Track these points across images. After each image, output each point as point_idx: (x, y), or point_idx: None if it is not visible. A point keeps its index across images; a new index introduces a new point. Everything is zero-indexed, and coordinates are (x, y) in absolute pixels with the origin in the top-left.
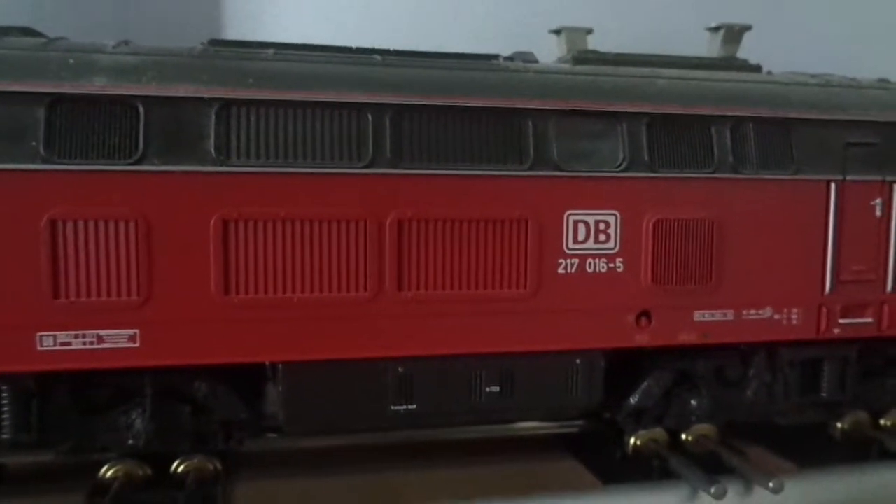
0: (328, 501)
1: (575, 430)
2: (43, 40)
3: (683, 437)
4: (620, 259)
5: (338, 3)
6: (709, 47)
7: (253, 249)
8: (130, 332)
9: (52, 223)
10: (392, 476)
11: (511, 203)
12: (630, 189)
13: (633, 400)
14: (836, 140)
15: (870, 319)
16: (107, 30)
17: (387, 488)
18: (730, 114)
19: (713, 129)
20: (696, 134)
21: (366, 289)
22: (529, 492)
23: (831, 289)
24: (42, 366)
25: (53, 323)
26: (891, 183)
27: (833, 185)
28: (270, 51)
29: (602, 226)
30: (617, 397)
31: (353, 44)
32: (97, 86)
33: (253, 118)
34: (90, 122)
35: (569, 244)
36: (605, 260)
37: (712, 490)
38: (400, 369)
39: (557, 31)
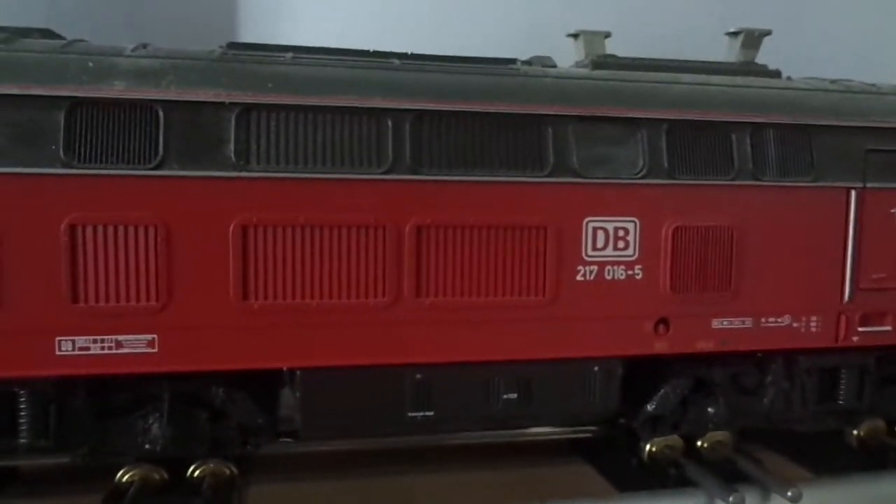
0: None
1: (588, 435)
2: (62, 42)
3: (699, 444)
4: (639, 266)
5: (352, 6)
6: (727, 52)
7: (272, 255)
8: (149, 337)
9: (72, 228)
10: (404, 480)
11: (530, 210)
12: (649, 196)
13: (650, 407)
14: (857, 147)
15: (889, 327)
16: (120, 30)
17: (399, 492)
18: (750, 120)
19: (733, 136)
20: (715, 140)
21: (384, 295)
22: (542, 497)
23: (850, 297)
24: (60, 370)
25: (72, 328)
26: None
27: (853, 193)
28: (289, 54)
29: (621, 233)
30: (633, 404)
31: (369, 46)
32: (117, 89)
33: (273, 123)
34: (110, 127)
35: (588, 251)
36: (623, 267)
37: (731, 499)
38: (418, 376)
39: (575, 35)
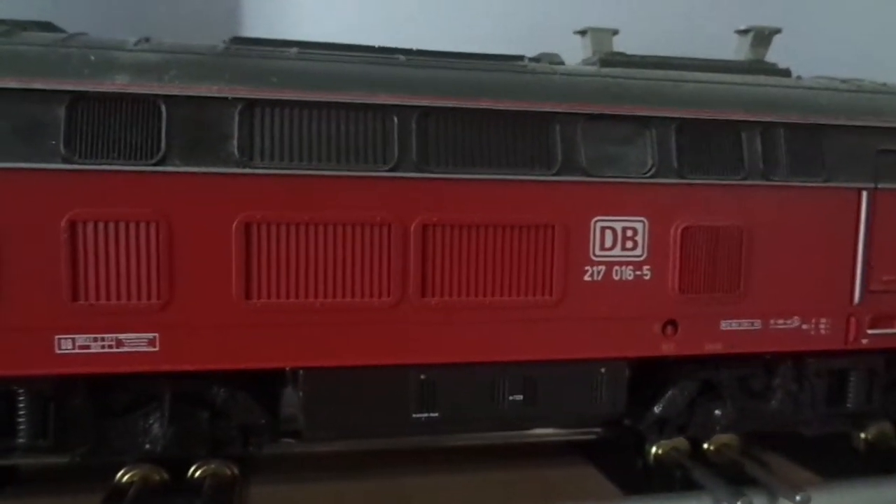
0: None
1: (592, 437)
2: (63, 35)
3: (705, 446)
4: (648, 267)
5: (356, 1)
6: (737, 50)
7: (275, 253)
8: (150, 335)
9: (72, 224)
10: (407, 481)
11: (537, 209)
12: (658, 195)
13: (657, 409)
14: (869, 147)
15: None
16: (122, 24)
17: (402, 493)
18: (760, 119)
19: (744, 135)
20: (726, 139)
21: (389, 294)
22: (546, 499)
23: (860, 299)
24: (60, 369)
25: (72, 326)
26: None
27: (864, 193)
28: (294, 49)
29: (629, 233)
30: (639, 406)
31: (373, 42)
32: (119, 84)
33: (277, 119)
34: (111, 121)
35: (595, 251)
36: (632, 267)
37: (738, 503)
38: (422, 376)
39: (582, 32)
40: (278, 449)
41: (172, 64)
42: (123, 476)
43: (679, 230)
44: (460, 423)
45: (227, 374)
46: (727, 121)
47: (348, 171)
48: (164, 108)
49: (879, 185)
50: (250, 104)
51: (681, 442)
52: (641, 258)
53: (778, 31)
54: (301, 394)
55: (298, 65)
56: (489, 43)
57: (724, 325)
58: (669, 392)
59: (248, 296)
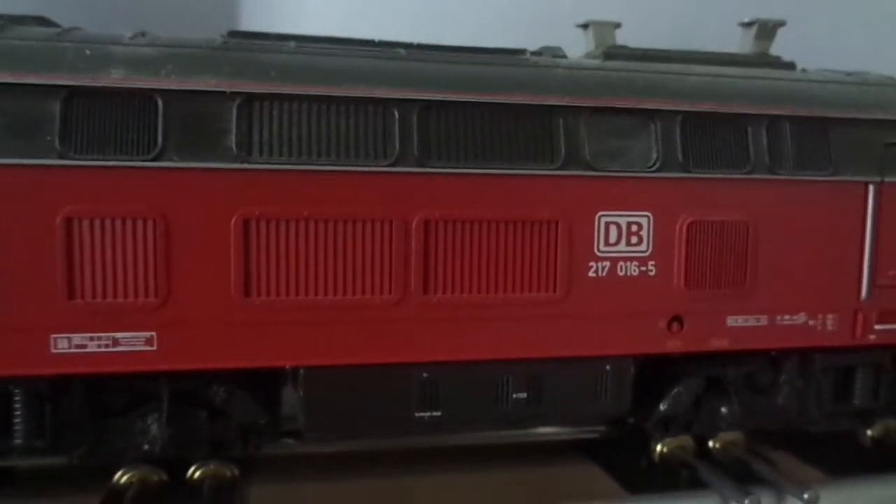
0: None
1: (596, 436)
2: (57, 30)
3: (711, 444)
4: (653, 262)
5: None
6: (741, 43)
7: (275, 250)
8: (147, 334)
9: (68, 221)
10: (409, 481)
11: (541, 203)
12: (664, 190)
13: (662, 407)
14: (875, 140)
15: None
16: (116, 18)
17: (403, 493)
18: (766, 112)
19: (749, 129)
20: (731, 133)
21: (391, 291)
22: (550, 499)
23: (868, 294)
24: (56, 369)
25: (68, 325)
26: None
27: (871, 187)
28: (292, 43)
29: (634, 227)
30: (644, 403)
31: (372, 36)
32: (114, 78)
33: (276, 113)
34: (107, 116)
35: (600, 246)
36: (636, 263)
37: (746, 502)
38: (425, 375)
39: (585, 26)
40: (278, 449)
41: (169, 58)
42: (121, 477)
43: (685, 225)
44: (463, 423)
45: (226, 374)
46: (732, 114)
47: (348, 166)
48: (160, 103)
49: (886, 179)
50: (249, 98)
51: (686, 440)
52: (646, 254)
53: (782, 23)
54: (301, 393)
55: (297, 58)
56: (490, 36)
57: (731, 321)
58: (675, 389)
59: (247, 293)
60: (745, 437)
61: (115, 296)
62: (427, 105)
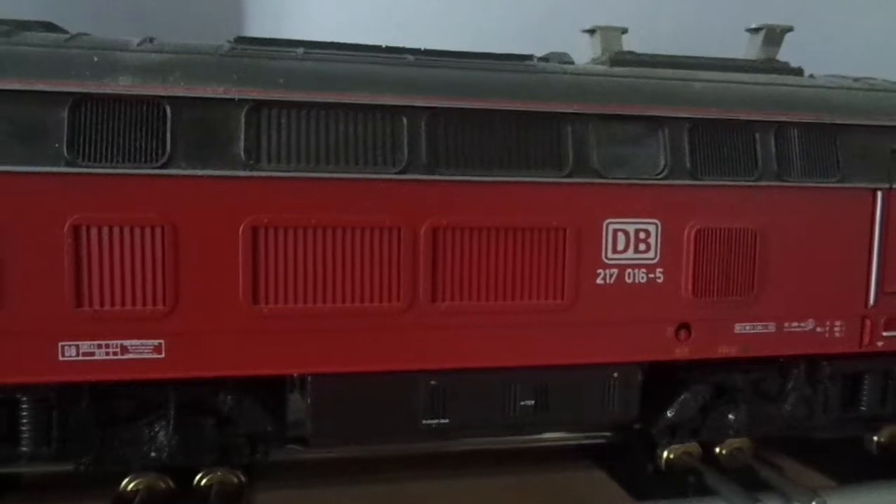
0: None
1: (602, 441)
2: (65, 36)
3: (718, 450)
4: (661, 269)
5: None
6: (747, 49)
7: (283, 257)
8: (155, 342)
9: (76, 229)
10: (415, 486)
11: (549, 211)
12: (671, 197)
13: (669, 413)
14: (883, 147)
15: None
16: (123, 23)
17: (410, 499)
18: (774, 119)
19: (757, 135)
20: (739, 140)
21: (399, 299)
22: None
23: (875, 301)
24: (64, 377)
25: (76, 332)
26: None
27: (879, 194)
28: (300, 50)
29: (642, 235)
30: (651, 410)
31: (377, 41)
32: (122, 85)
33: (284, 120)
34: (115, 124)
35: (608, 254)
36: (644, 270)
37: None
38: (433, 382)
39: (591, 31)
40: (285, 455)
41: (177, 65)
42: (128, 484)
43: (692, 232)
44: (471, 430)
45: (233, 381)
46: (741, 120)
47: (357, 173)
48: (168, 110)
49: (894, 186)
50: (257, 105)
51: (693, 446)
52: (654, 261)
53: (790, 29)
54: (309, 401)
55: (305, 65)
56: (495, 41)
57: (738, 328)
58: (682, 396)
59: (255, 301)
60: (753, 443)
61: (122, 303)
62: (435, 112)
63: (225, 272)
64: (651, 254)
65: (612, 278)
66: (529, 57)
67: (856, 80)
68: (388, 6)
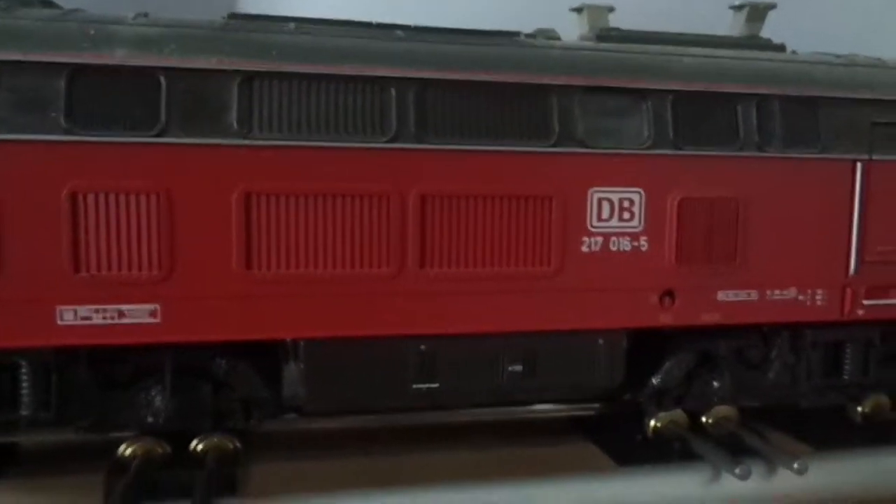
0: (342, 483)
1: (591, 412)
2: (61, 10)
3: (704, 419)
4: (645, 238)
5: None
6: (731, 26)
7: (275, 224)
8: (151, 307)
9: (73, 195)
10: (406, 458)
11: (535, 180)
12: (655, 167)
13: (655, 380)
14: (863, 119)
15: (895, 301)
16: (115, 2)
17: (401, 470)
18: (756, 92)
19: (739, 108)
20: (721, 112)
21: (388, 265)
22: (544, 474)
23: (856, 269)
24: (62, 340)
25: (74, 297)
26: None
27: (859, 165)
28: (292, 24)
29: (626, 203)
30: (637, 378)
31: (370, 19)
32: (118, 56)
33: (276, 91)
34: (111, 94)
35: (593, 222)
36: (629, 238)
37: (737, 471)
38: (422, 347)
39: (579, 9)
40: (280, 426)
41: (171, 38)
42: (125, 450)
43: (676, 201)
44: (460, 394)
45: (228, 347)
46: (723, 93)
47: (347, 142)
48: (163, 81)
49: (874, 157)
50: (249, 76)
51: (679, 415)
52: (638, 229)
53: (773, 6)
54: (302, 366)
55: (297, 38)
56: (484, 21)
57: (722, 295)
58: (667, 363)
59: (248, 266)
60: (738, 412)
61: (119, 269)
62: (424, 83)
63: (219, 238)
64: (635, 222)
65: (597, 246)
66: (517, 33)
67: (838, 56)
68: None
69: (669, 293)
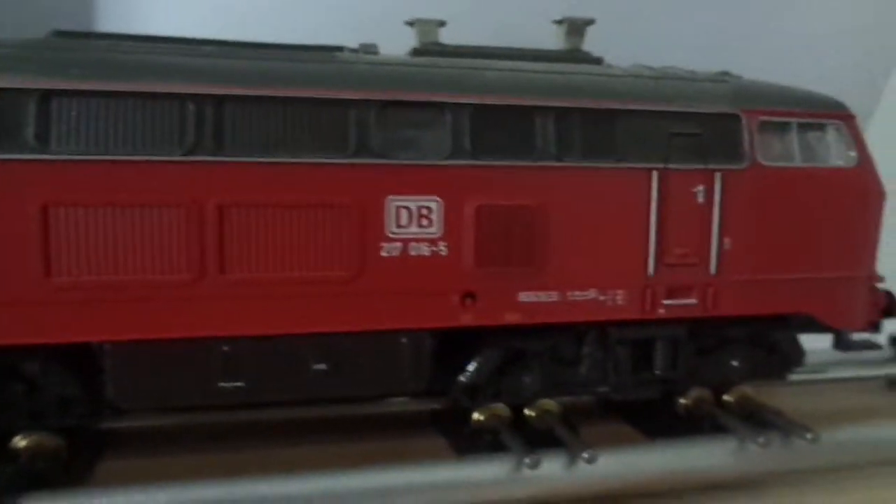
0: (190, 476)
1: (439, 407)
2: None
3: (526, 412)
4: (444, 243)
5: None
6: (556, 40)
7: (74, 234)
8: None
9: None
10: (282, 453)
11: (332, 189)
12: (452, 176)
13: (462, 378)
14: (660, 130)
15: (694, 301)
16: None
17: (274, 464)
18: (553, 105)
19: (537, 119)
20: (519, 124)
21: (188, 271)
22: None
23: (654, 271)
24: None
25: None
26: (713, 171)
27: (655, 174)
28: (105, 42)
29: (425, 211)
30: (450, 375)
31: (223, 35)
32: None
33: (74, 108)
34: None
35: (392, 229)
36: (428, 244)
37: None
38: (225, 348)
39: (411, 23)
40: (133, 423)
41: None
42: None
43: (473, 209)
44: (266, 392)
45: (42, 349)
46: (520, 106)
47: (144, 155)
48: None
49: (670, 166)
50: (46, 94)
51: (500, 408)
52: (437, 235)
53: (591, 21)
54: (108, 366)
55: (103, 56)
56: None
57: (523, 296)
58: (474, 361)
59: (47, 273)
60: (560, 406)
61: None
62: (221, 99)
63: (18, 247)
64: (434, 228)
65: (397, 251)
66: (339, 48)
67: (650, 69)
68: (234, 3)
69: (471, 295)
